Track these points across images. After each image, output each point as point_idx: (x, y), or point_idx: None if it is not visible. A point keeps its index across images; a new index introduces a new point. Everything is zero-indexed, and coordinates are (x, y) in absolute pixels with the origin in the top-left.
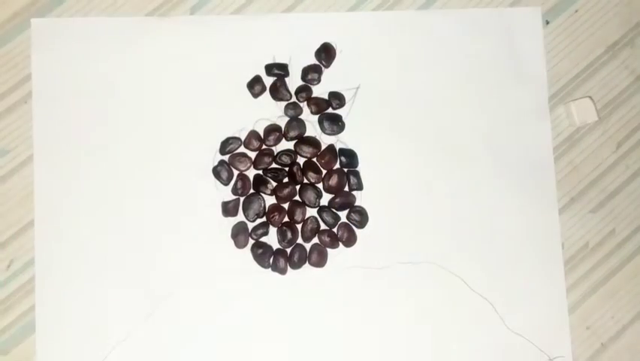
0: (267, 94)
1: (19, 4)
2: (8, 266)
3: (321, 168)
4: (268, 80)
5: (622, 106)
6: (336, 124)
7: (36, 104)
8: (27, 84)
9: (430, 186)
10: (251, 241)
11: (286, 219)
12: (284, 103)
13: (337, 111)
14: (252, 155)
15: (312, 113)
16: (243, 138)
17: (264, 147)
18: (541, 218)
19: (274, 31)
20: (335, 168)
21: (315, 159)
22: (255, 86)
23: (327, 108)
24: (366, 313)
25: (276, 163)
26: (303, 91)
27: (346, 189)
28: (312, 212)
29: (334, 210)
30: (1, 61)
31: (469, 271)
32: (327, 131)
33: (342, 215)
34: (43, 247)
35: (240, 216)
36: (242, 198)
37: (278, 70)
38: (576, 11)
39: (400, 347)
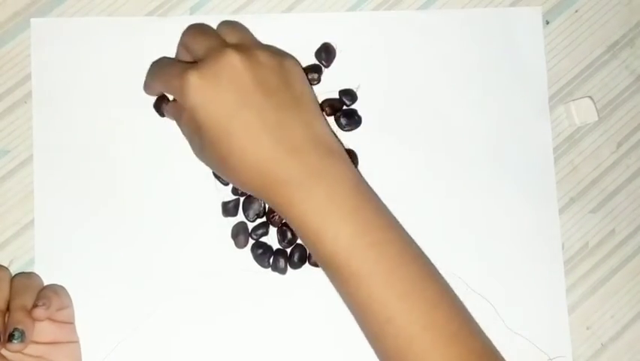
0: None
1: (19, 4)
2: (8, 266)
3: None
4: None
5: (622, 106)
6: (352, 119)
7: (36, 104)
8: (27, 84)
9: (429, 186)
10: (251, 241)
11: None
12: None
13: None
14: None
15: (327, 115)
16: None
17: None
18: (541, 218)
19: (274, 31)
20: None
21: None
22: None
23: (342, 107)
24: None
25: None
26: None
27: None
28: None
29: None
30: (1, 61)
31: (469, 271)
32: (345, 128)
33: None
34: (43, 247)
35: (240, 216)
36: (242, 198)
37: None
38: (576, 11)
39: None
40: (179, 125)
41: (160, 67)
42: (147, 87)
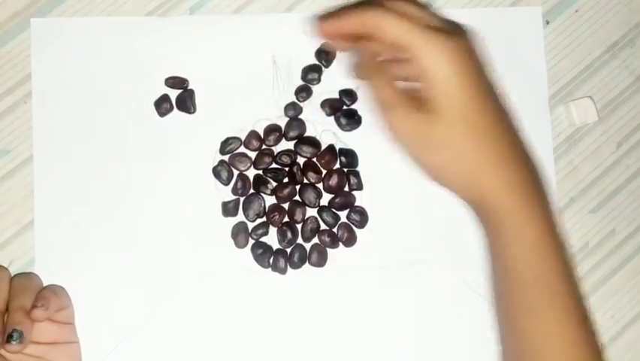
0: (266, 94)
1: (19, 4)
2: (8, 266)
3: (321, 168)
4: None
5: (622, 106)
6: (352, 119)
7: (36, 104)
8: (27, 84)
9: (429, 186)
10: (251, 241)
11: (286, 219)
12: (284, 103)
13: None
14: (252, 155)
15: (327, 115)
16: (242, 138)
17: (263, 147)
18: None
19: (274, 31)
20: (335, 168)
21: (315, 159)
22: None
23: (342, 106)
24: (366, 313)
25: (276, 163)
26: (303, 91)
27: (346, 189)
28: (312, 212)
29: (334, 210)
30: (1, 61)
31: (469, 271)
32: (345, 128)
33: (342, 215)
34: (43, 247)
35: (240, 216)
36: (242, 198)
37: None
38: (576, 11)
39: (400, 347)
40: (383, 91)
41: (385, 12)
42: (342, 25)
